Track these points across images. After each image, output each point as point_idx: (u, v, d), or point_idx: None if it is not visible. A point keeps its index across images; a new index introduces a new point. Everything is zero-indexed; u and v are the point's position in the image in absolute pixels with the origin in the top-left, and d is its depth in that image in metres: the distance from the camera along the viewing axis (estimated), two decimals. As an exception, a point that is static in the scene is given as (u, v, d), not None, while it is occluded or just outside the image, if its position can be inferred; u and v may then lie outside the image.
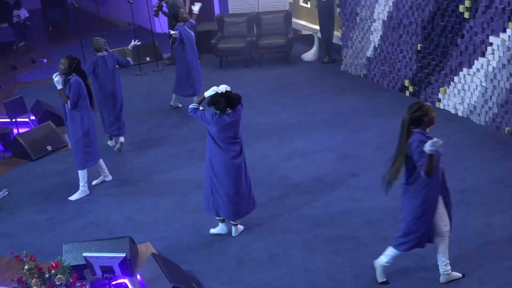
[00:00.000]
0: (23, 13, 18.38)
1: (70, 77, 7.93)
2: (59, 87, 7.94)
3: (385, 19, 11.20)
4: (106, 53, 9.41)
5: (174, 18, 11.20)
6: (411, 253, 5.97)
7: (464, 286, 5.84)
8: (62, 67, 7.93)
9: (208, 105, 6.57)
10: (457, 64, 9.75)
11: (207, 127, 6.66)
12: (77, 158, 8.16)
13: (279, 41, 13.47)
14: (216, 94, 6.50)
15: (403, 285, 5.94)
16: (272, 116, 10.57)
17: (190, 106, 6.72)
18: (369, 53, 11.86)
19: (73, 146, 8.18)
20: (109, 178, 8.66)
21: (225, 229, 7.06)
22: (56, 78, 7.92)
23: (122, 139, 9.65)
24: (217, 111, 6.55)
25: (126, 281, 6.19)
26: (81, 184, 8.26)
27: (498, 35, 8.86)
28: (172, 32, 10.68)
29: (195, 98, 11.00)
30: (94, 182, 8.55)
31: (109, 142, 9.86)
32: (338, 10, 12.71)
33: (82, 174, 8.23)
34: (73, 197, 8.22)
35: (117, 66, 9.53)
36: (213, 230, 7.12)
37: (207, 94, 6.59)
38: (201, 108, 6.70)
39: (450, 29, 9.77)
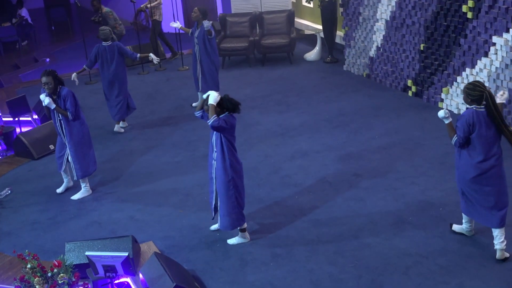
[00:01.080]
0: (23, 12, 18.40)
1: (58, 90, 7.80)
2: (52, 107, 7.77)
3: (388, 19, 11.19)
4: (111, 43, 9.94)
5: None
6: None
7: (467, 286, 5.84)
8: (51, 86, 7.71)
9: (234, 111, 6.44)
10: (460, 64, 9.74)
11: (223, 134, 6.44)
12: (81, 166, 8.04)
13: (282, 41, 13.47)
14: (225, 97, 6.43)
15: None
16: (275, 116, 10.56)
17: (211, 121, 6.28)
18: (372, 53, 11.85)
19: (77, 154, 8.00)
20: (71, 184, 8.45)
21: (248, 237, 6.92)
22: (47, 102, 7.72)
23: (122, 124, 10.46)
24: (231, 113, 6.45)
25: (128, 280, 6.20)
26: (82, 185, 8.25)
27: (501, 35, 8.85)
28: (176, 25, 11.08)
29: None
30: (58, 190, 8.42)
31: (116, 128, 10.40)
32: (341, 9, 12.70)
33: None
34: (75, 196, 8.22)
35: (124, 58, 10.12)
36: (232, 241, 6.89)
37: (212, 101, 6.34)
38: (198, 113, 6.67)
39: (453, 29, 9.76)
